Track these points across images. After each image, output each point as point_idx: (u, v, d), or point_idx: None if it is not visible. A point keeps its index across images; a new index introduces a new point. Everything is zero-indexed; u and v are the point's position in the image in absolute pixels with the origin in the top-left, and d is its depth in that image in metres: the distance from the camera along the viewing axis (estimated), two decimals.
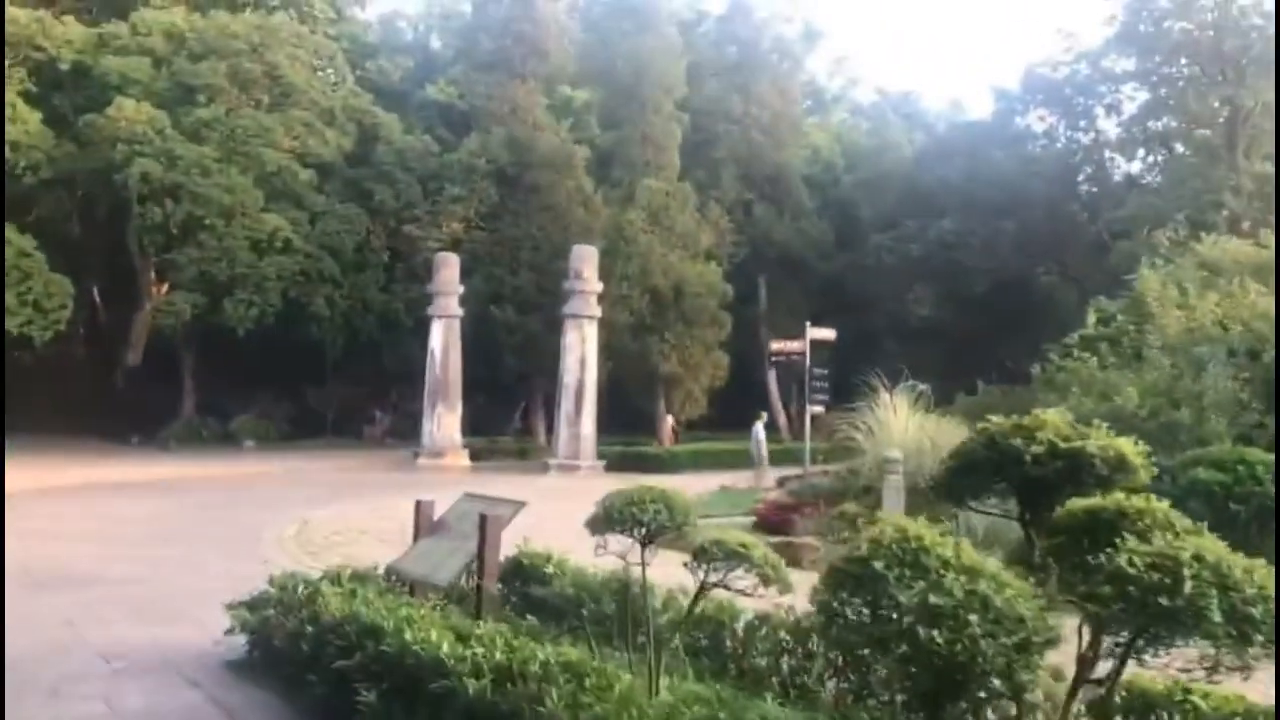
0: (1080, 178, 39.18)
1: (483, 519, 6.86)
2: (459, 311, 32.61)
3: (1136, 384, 12.38)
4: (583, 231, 34.58)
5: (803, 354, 23.23)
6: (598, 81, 39.39)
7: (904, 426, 16.20)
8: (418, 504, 7.85)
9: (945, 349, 40.27)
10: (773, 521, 15.46)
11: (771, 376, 41.06)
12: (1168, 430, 11.84)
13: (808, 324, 23.47)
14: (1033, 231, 37.58)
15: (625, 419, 37.00)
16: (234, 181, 35.94)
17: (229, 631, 7.57)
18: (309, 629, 6.57)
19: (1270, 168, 27.31)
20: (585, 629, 6.18)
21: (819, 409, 22.91)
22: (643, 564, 5.73)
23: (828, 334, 23.47)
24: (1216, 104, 29.70)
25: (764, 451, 25.69)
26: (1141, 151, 36.27)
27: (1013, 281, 39.87)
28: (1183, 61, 30.21)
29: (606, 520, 5.63)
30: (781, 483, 22.20)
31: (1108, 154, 38.42)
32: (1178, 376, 12.29)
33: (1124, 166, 38.38)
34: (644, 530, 5.64)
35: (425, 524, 7.76)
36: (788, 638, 5.89)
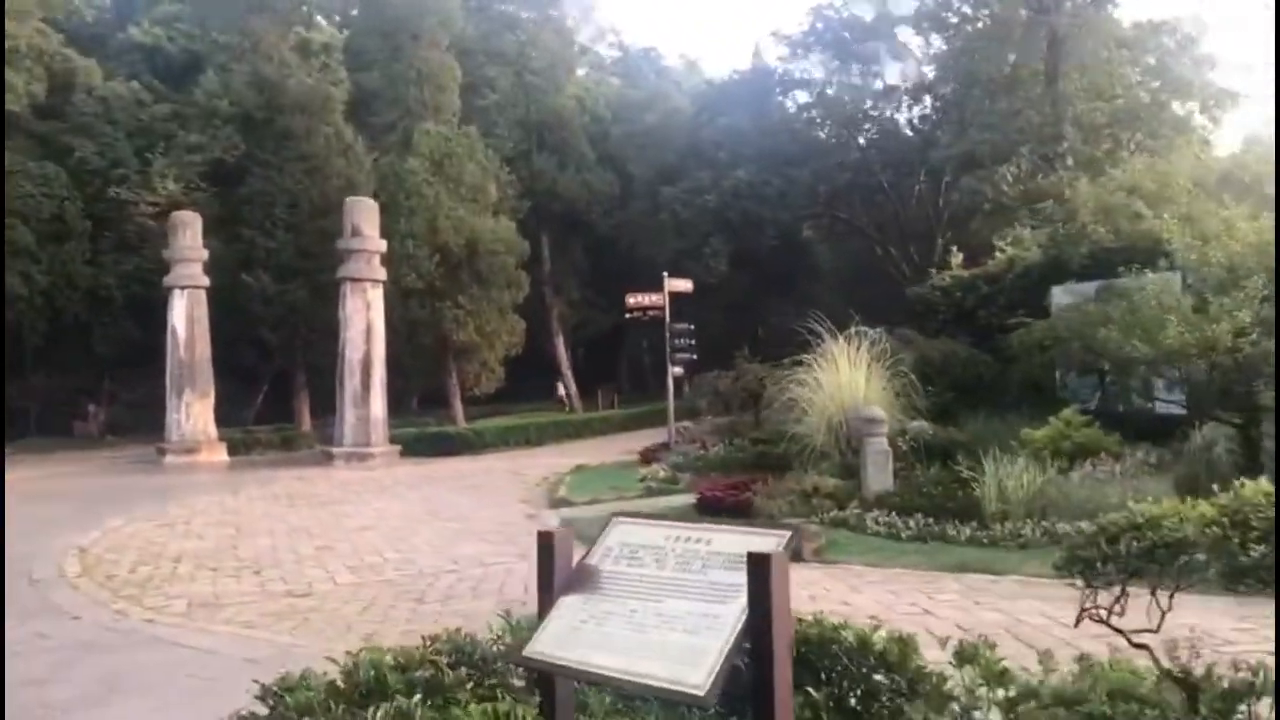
0: (866, 123, 38.40)
1: (757, 562, 3.60)
2: (205, 281, 27.81)
3: (1227, 310, 10.55)
4: (345, 185, 30.24)
5: (661, 308, 20.51)
6: (365, 9, 34.62)
7: (848, 382, 13.91)
8: (544, 535, 4.36)
9: (724, 308, 38.74)
10: (723, 503, 12.55)
11: (560, 342, 38.15)
12: (1253, 363, 10.17)
13: (665, 274, 20.80)
14: (826, 180, 36.50)
15: (393, 395, 33.01)
16: None
17: None
18: None
19: (1088, 103, 27.05)
20: None
21: (679, 370, 20.33)
22: None
23: (685, 285, 20.94)
24: (1020, 35, 28.75)
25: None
26: (941, 92, 35.47)
27: (790, 236, 38.90)
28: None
29: None
30: (649, 456, 19.41)
31: (897, 99, 37.74)
32: (1260, 301, 10.58)
33: (910, 111, 37.92)
34: None
35: (563, 570, 4.34)
36: None
